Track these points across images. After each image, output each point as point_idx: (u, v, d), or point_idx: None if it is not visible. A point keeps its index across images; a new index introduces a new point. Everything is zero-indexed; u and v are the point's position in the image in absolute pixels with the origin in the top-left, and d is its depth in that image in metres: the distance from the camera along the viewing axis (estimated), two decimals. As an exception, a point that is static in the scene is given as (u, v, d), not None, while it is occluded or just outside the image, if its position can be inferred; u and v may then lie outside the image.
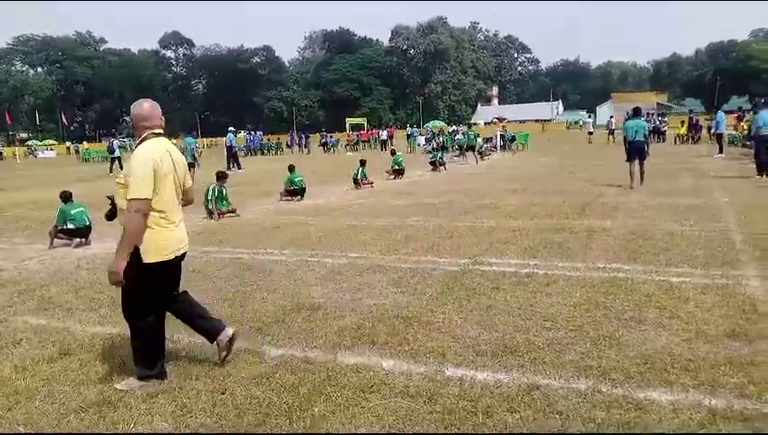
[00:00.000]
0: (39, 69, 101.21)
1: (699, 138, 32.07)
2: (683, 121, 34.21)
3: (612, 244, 7.64)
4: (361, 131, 57.84)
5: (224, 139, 29.34)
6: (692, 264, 6.46)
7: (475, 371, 3.93)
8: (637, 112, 14.13)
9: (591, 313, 4.96)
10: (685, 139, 32.51)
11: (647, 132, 13.88)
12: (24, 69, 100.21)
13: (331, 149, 44.88)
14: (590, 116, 43.37)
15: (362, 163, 17.09)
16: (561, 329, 4.61)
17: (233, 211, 11.81)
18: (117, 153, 29.57)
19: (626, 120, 16.54)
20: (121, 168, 28.26)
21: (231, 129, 28.08)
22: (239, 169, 26.12)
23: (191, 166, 19.75)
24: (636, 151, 13.40)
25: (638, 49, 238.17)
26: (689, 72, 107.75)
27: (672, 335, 4.40)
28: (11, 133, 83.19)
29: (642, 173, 13.45)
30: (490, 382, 3.75)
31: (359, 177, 16.59)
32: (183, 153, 18.34)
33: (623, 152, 13.76)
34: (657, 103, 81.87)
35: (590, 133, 37.60)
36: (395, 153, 20.24)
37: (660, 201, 11.12)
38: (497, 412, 3.36)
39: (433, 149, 27.71)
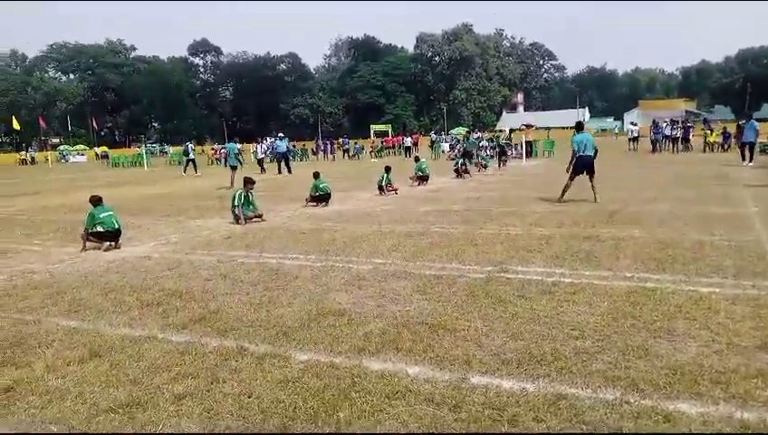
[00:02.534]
0: (71, 75, 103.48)
1: (729, 146, 31.50)
2: (711, 129, 33.61)
3: (640, 253, 7.54)
4: (386, 138, 58.03)
5: (250, 145, 30.22)
6: (722, 274, 6.35)
7: (500, 379, 3.92)
8: (580, 127, 13.75)
9: (619, 322, 4.90)
10: (715, 147, 31.97)
11: (595, 146, 12.99)
12: (56, 75, 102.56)
13: (356, 156, 45.05)
14: (633, 123, 41.36)
15: (387, 169, 17.14)
16: (588, 338, 4.57)
17: (259, 216, 11.93)
18: (191, 155, 31.54)
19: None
20: (195, 169, 29.73)
21: (281, 135, 29.14)
22: (290, 172, 27.31)
23: (234, 169, 21.63)
24: (584, 166, 12.78)
25: (667, 56, 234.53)
26: (719, 79, 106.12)
27: (702, 347, 4.33)
28: (43, 138, 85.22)
29: (594, 188, 12.73)
30: (516, 391, 3.73)
31: (383, 183, 16.63)
32: (227, 157, 19.85)
33: (649, 160, 13.62)
34: (686, 111, 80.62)
35: (635, 140, 36.20)
36: (419, 160, 20.26)
37: (689, 210, 10.95)
38: (523, 421, 3.34)
39: (456, 156, 27.59)
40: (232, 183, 20.38)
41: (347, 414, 3.51)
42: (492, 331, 4.84)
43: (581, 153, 12.74)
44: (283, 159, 28.42)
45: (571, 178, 12.88)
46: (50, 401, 3.89)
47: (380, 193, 16.44)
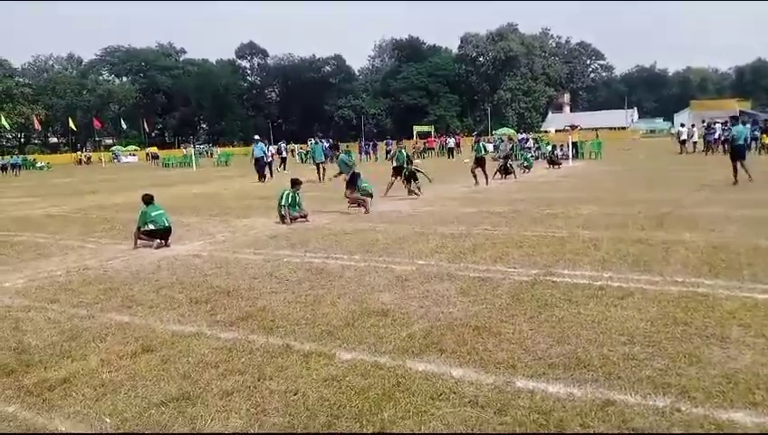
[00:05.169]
0: (124, 78, 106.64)
1: None
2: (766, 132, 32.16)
3: (692, 257, 7.32)
4: (428, 139, 57.97)
5: (301, 145, 31.35)
6: (780, 280, 6.12)
7: (546, 383, 3.87)
8: (736, 120, 17.50)
9: (669, 328, 4.78)
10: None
11: (747, 136, 17.15)
12: (110, 78, 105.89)
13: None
14: (682, 124, 39.52)
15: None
16: (637, 344, 4.47)
17: (304, 216, 12.08)
18: (284, 154, 34.83)
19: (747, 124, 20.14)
20: (284, 167, 31.99)
21: (256, 137, 28.13)
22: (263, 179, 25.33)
23: (319, 165, 24.88)
24: (738, 151, 15.97)
25: (721, 54, 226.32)
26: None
27: (757, 355, 4.18)
28: (97, 139, 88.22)
29: (746, 171, 15.66)
30: (562, 396, 3.67)
31: (426, 184, 16.60)
32: (313, 155, 24.43)
33: (700, 162, 14.57)
34: (740, 111, 77.66)
35: (686, 142, 34.82)
36: (480, 141, 20.19)
37: (744, 213, 10.57)
38: (570, 427, 3.29)
39: (499, 156, 27.26)
40: (320, 178, 23.25)
41: (391, 414, 3.52)
42: (537, 334, 4.78)
43: (738, 142, 16.06)
44: (266, 164, 26.17)
45: (734, 163, 15.88)
46: (104, 394, 4.03)
47: (423, 194, 16.41)
